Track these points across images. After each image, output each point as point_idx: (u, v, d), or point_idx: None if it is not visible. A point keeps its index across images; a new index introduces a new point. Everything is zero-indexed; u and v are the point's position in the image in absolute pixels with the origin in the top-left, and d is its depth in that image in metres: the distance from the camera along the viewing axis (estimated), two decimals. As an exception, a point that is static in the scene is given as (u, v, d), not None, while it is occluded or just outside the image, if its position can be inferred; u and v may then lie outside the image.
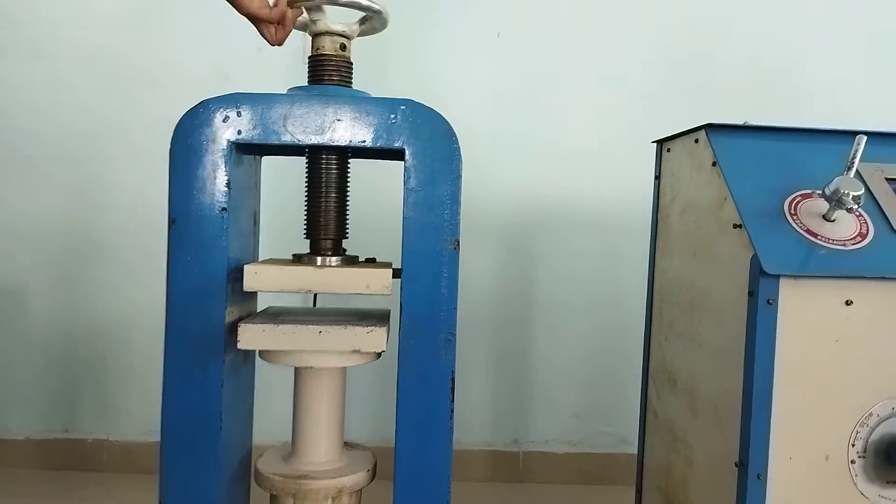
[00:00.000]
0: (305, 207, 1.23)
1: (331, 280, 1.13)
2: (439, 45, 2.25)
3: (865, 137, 1.17)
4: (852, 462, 1.15)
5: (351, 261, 1.22)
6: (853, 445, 1.15)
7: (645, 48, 2.29)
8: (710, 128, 1.32)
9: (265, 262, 1.20)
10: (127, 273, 2.25)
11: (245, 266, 1.11)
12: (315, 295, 1.49)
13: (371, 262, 1.24)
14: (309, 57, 1.19)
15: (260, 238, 1.39)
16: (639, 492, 1.63)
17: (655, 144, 1.60)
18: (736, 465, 1.15)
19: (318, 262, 1.19)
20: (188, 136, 1.09)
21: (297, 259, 1.22)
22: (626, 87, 2.28)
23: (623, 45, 2.29)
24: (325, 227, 1.20)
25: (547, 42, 2.27)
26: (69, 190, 2.25)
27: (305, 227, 1.24)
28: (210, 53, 2.21)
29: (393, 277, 1.13)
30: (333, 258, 1.20)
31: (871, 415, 1.15)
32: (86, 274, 2.27)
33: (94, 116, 2.23)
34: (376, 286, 1.12)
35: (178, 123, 1.10)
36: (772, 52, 2.31)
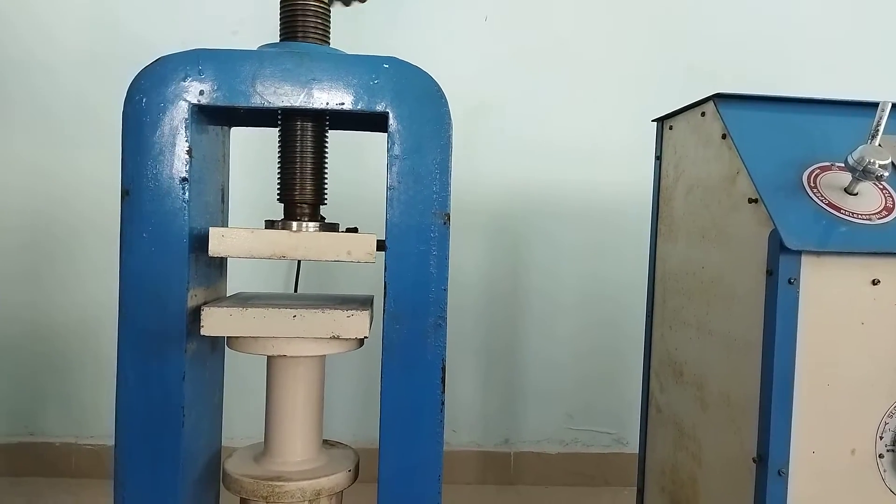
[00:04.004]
0: (278, 169, 1.11)
1: (308, 245, 1.01)
2: (423, 26, 2.15)
3: (890, 104, 1.09)
4: (880, 456, 1.07)
5: (330, 228, 1.11)
6: (881, 438, 1.07)
7: (634, 34, 2.21)
8: (718, 98, 1.25)
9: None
10: (94, 267, 2.13)
11: (210, 228, 0.99)
12: (296, 280, 1.38)
13: (353, 231, 1.12)
14: (281, 4, 1.06)
15: (230, 220, 1.27)
16: (640, 492, 1.54)
17: (655, 123, 1.52)
18: (754, 461, 1.06)
19: (294, 228, 1.07)
20: (143, 96, 0.97)
21: (270, 225, 1.10)
22: (616, 75, 2.20)
23: (613, 32, 2.21)
24: (301, 189, 1.08)
25: (533, 27, 2.18)
26: (31, 180, 2.12)
27: (279, 189, 1.11)
28: (182, 35, 2.08)
29: (378, 250, 1.01)
30: (311, 223, 1.08)
31: (900, 404, 1.07)
32: (50, 269, 2.15)
33: (55, 100, 2.10)
34: (359, 253, 1.00)
35: (133, 82, 0.98)
36: (763, 28, 2.24)
